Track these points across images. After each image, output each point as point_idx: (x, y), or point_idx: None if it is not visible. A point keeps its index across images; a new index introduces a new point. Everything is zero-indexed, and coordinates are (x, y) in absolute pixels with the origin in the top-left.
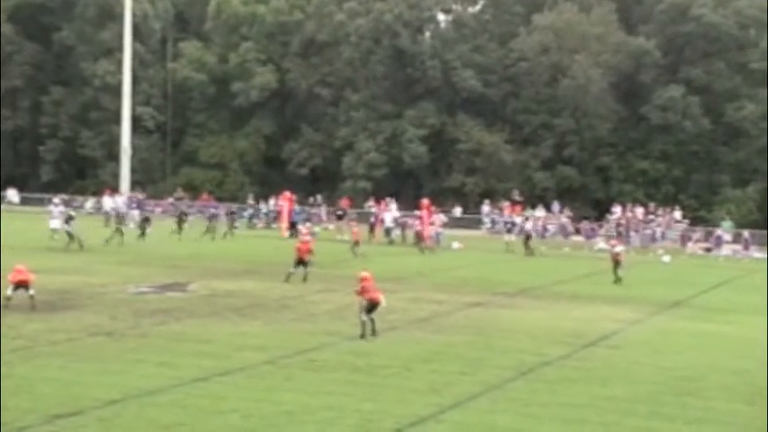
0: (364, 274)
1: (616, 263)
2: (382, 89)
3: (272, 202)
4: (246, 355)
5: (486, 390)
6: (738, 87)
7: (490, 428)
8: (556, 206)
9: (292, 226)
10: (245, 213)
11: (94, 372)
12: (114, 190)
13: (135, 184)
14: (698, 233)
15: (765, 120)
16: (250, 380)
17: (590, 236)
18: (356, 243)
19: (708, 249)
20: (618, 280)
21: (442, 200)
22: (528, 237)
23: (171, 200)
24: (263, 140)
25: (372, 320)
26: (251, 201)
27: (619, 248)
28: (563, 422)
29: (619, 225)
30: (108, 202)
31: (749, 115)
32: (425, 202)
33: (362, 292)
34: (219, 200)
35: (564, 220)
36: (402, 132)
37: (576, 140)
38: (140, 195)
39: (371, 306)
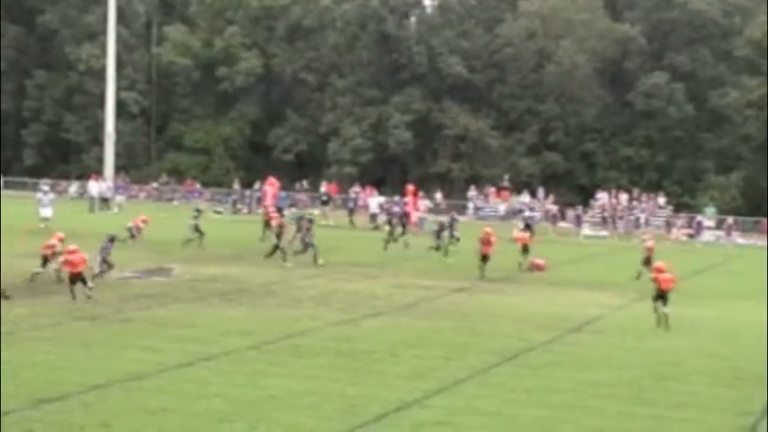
0: None
1: (647, 259)
2: (368, 75)
3: (256, 187)
4: (231, 340)
5: (472, 375)
6: (722, 74)
7: (475, 413)
8: (541, 192)
9: (278, 211)
10: (230, 198)
11: (78, 356)
12: (98, 174)
13: (119, 169)
14: (681, 219)
15: (749, 107)
16: (234, 365)
17: (576, 222)
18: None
19: (691, 235)
20: (640, 275)
21: (427, 185)
22: (527, 226)
23: (155, 185)
24: (249, 126)
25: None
26: (236, 186)
27: (651, 242)
28: (547, 407)
29: (603, 211)
30: (93, 186)
31: (733, 102)
32: (411, 187)
33: None
34: (205, 185)
35: (550, 206)
36: (388, 118)
37: (562, 126)
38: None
39: None
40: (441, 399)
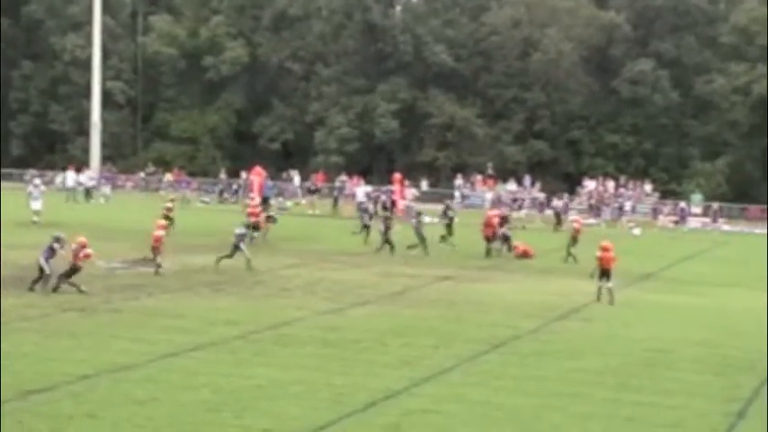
0: None
1: (574, 239)
2: (354, 64)
3: (243, 176)
4: (218, 330)
5: (459, 363)
6: (708, 61)
7: (463, 401)
8: (527, 180)
9: (264, 201)
10: (216, 188)
11: (67, 347)
12: (83, 165)
13: (105, 159)
14: (668, 206)
15: (735, 93)
16: (221, 355)
17: (563, 210)
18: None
19: (677, 222)
20: (569, 256)
21: (413, 174)
22: (558, 214)
23: (142, 174)
24: (235, 115)
25: None
26: (222, 175)
27: (578, 224)
28: (534, 395)
29: (590, 198)
30: (71, 177)
31: (719, 89)
32: (398, 176)
33: None
34: (191, 175)
35: (537, 194)
36: (374, 107)
37: (548, 114)
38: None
39: None
40: (428, 387)
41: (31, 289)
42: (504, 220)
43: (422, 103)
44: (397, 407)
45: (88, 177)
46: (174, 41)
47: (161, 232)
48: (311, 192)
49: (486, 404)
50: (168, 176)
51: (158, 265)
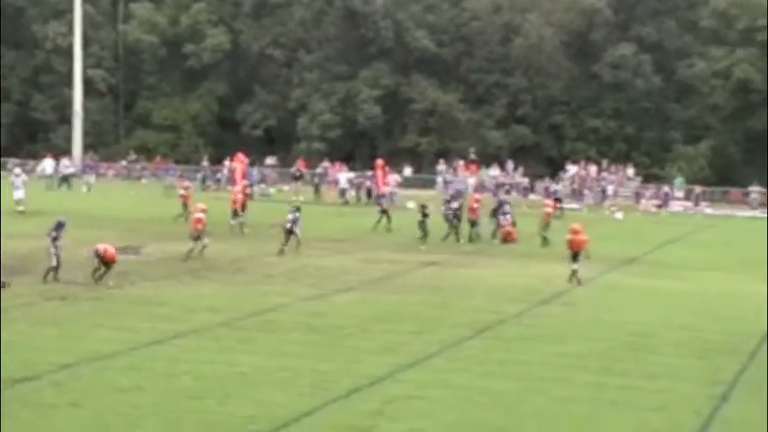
0: None
1: (546, 224)
2: (335, 50)
3: (226, 163)
4: (201, 317)
5: (443, 348)
6: (689, 45)
7: (447, 386)
8: (510, 165)
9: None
10: (199, 175)
11: (50, 336)
12: (61, 153)
13: (87, 148)
14: (650, 190)
15: (715, 77)
16: (204, 342)
17: (546, 195)
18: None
19: (660, 206)
20: (544, 240)
21: (396, 160)
22: (558, 200)
23: (124, 163)
24: (217, 102)
25: None
26: (205, 163)
27: (549, 209)
28: (518, 379)
29: (573, 183)
30: (49, 165)
31: (700, 73)
32: (380, 162)
33: None
34: (175, 162)
35: (520, 178)
36: (356, 93)
37: (529, 99)
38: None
39: None
40: (412, 373)
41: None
42: (499, 204)
43: (404, 89)
44: (380, 393)
45: (64, 165)
46: (155, 29)
47: (201, 215)
48: (296, 178)
49: (470, 389)
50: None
51: (204, 246)
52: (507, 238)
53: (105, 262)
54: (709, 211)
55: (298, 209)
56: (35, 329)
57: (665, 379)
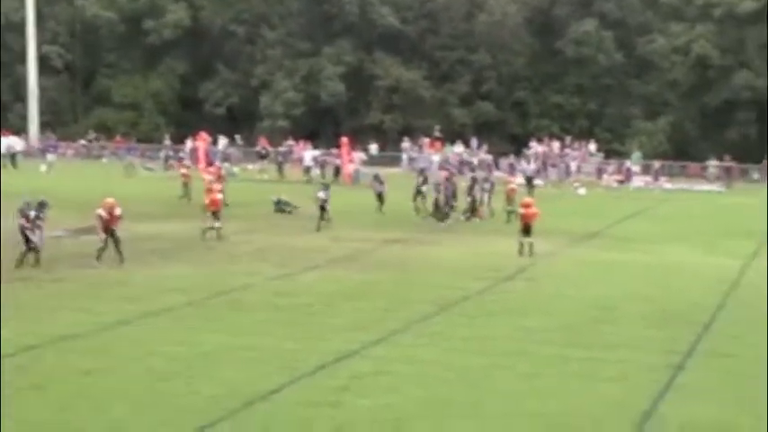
0: None
1: (509, 199)
2: (299, 26)
3: (188, 142)
4: (168, 297)
5: (409, 325)
6: (650, 21)
7: (413, 362)
8: (474, 142)
9: (210, 166)
10: (161, 154)
11: (10, 318)
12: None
13: (45, 126)
14: (612, 165)
15: (675, 53)
16: (171, 323)
17: (510, 171)
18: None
19: (621, 181)
20: (509, 216)
21: (361, 137)
22: (528, 180)
23: (83, 142)
24: (178, 80)
25: None
26: (167, 141)
27: (513, 185)
28: (483, 354)
29: (536, 159)
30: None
31: (659, 49)
32: (345, 139)
33: None
34: (137, 141)
35: (484, 155)
36: (320, 70)
37: (494, 76)
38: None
39: None
40: (379, 349)
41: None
42: (473, 181)
43: (368, 66)
44: (347, 369)
45: (9, 145)
46: (113, 4)
47: (220, 195)
48: (261, 157)
49: (436, 364)
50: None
51: (219, 228)
52: (473, 215)
53: (112, 233)
54: (668, 185)
55: (327, 186)
56: None
57: (626, 350)
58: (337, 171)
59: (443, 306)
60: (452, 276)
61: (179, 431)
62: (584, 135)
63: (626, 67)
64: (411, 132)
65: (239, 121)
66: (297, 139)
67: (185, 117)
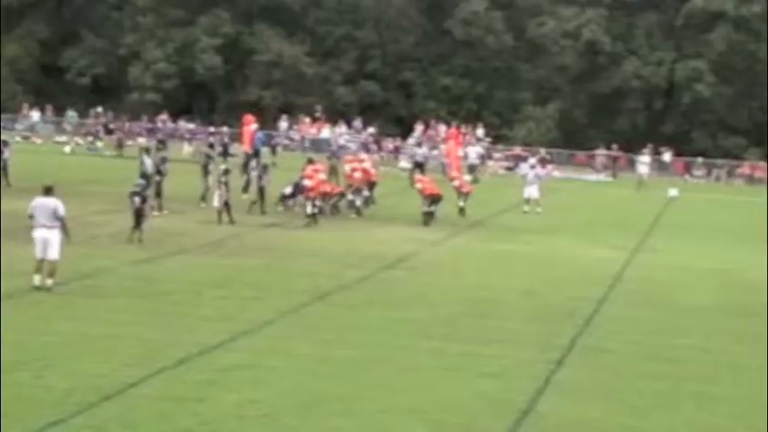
0: None
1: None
2: None
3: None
4: (17, 281)
5: (280, 315)
6: (540, 4)
7: (285, 355)
8: (358, 123)
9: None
10: (18, 126)
11: None
12: None
13: None
14: (499, 152)
15: (565, 37)
16: (20, 309)
17: (393, 154)
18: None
19: (509, 168)
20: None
21: (237, 114)
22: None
23: None
24: (38, 45)
25: None
26: (25, 111)
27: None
28: (359, 347)
29: (420, 144)
30: None
31: (549, 32)
32: (249, 117)
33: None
34: None
35: (365, 136)
36: (194, 41)
37: (379, 54)
38: None
39: None
40: (247, 341)
41: None
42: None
43: (246, 39)
44: (212, 362)
45: None
46: None
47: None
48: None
49: (309, 357)
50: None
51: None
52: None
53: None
54: (556, 173)
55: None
56: None
57: (505, 345)
58: (225, 150)
59: (318, 295)
60: (329, 264)
61: (26, 427)
62: (472, 119)
63: (516, 51)
64: (291, 110)
65: (105, 93)
66: (173, 115)
67: (45, 86)
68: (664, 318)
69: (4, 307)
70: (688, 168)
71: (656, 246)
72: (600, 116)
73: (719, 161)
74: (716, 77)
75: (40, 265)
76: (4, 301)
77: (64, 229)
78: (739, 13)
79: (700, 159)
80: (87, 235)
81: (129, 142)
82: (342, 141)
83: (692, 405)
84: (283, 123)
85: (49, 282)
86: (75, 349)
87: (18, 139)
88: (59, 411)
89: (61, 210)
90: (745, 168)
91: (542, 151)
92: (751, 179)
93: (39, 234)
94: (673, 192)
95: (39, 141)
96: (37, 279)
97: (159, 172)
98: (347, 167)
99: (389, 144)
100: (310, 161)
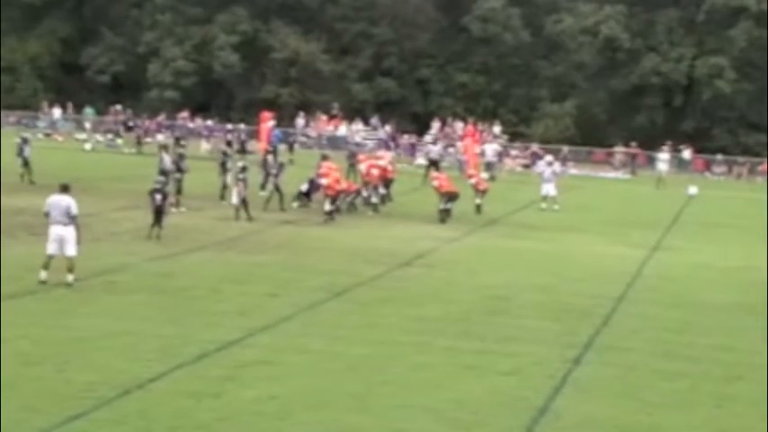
0: None
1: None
2: None
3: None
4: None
5: (297, 312)
6: (558, 0)
7: (301, 351)
8: (375, 120)
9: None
10: (40, 124)
11: None
12: None
13: None
14: (517, 149)
15: (583, 33)
16: (42, 304)
17: (410, 151)
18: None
19: (526, 165)
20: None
21: (255, 112)
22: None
23: None
24: (59, 43)
25: None
26: (46, 109)
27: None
28: (374, 344)
29: (435, 141)
30: None
31: (567, 29)
32: (266, 114)
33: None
34: (10, 108)
35: (382, 134)
36: (212, 39)
37: (396, 51)
38: None
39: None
40: (265, 337)
41: None
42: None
43: (264, 36)
44: (230, 358)
45: None
46: None
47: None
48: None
49: (325, 354)
50: None
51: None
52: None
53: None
54: (574, 171)
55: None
56: None
57: (521, 342)
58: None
59: (335, 292)
60: (346, 261)
61: (47, 419)
62: (489, 116)
63: (533, 47)
64: (308, 108)
65: (124, 90)
66: (192, 112)
67: (66, 83)
68: (683, 316)
69: (27, 302)
70: (708, 166)
71: (676, 244)
72: (619, 113)
73: (740, 158)
74: (737, 74)
75: (48, 261)
76: (26, 297)
77: (76, 228)
78: (761, 9)
79: (720, 156)
80: (107, 231)
81: (148, 139)
82: (358, 138)
83: (711, 405)
84: (300, 120)
85: (70, 278)
86: (95, 344)
87: (39, 136)
88: (81, 404)
89: (74, 208)
90: (766, 166)
91: (565, 149)
92: None
93: (54, 230)
94: (692, 189)
95: (60, 138)
96: (43, 274)
97: (180, 169)
98: (363, 166)
99: (406, 141)
100: (324, 158)
